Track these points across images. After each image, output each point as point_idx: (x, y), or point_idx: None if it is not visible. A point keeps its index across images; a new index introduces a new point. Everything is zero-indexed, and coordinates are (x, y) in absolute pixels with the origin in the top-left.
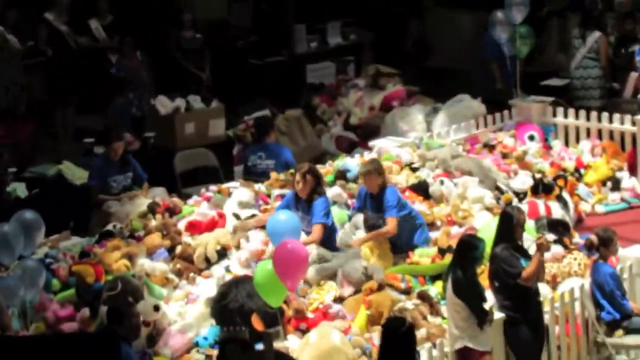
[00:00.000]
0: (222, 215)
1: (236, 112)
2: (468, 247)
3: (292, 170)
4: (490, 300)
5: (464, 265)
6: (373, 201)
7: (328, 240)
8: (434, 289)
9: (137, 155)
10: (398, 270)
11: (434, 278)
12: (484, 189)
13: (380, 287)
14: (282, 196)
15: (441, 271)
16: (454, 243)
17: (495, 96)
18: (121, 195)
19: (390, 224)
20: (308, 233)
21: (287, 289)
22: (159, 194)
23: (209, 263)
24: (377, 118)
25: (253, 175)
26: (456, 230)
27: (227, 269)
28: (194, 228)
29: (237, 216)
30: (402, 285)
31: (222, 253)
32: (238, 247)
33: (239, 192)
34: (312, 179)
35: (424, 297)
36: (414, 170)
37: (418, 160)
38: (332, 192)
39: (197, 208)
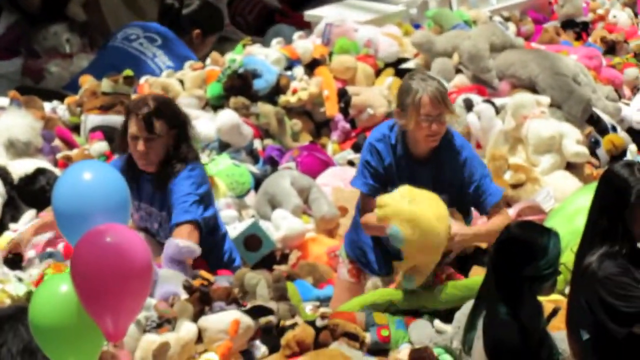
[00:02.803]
0: None
1: None
2: (522, 251)
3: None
4: None
5: (510, 292)
6: (423, 168)
7: (210, 243)
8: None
9: None
10: (366, 302)
11: (441, 317)
12: (563, 123)
13: (327, 337)
14: (103, 132)
15: (459, 303)
16: (489, 242)
17: None
18: None
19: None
20: (154, 236)
21: (105, 335)
22: None
23: None
24: None
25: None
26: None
27: None
28: None
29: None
30: (368, 336)
31: None
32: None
33: (8, 119)
34: (165, 127)
35: (416, 358)
36: (404, 75)
37: (415, 54)
38: (220, 122)
39: None
